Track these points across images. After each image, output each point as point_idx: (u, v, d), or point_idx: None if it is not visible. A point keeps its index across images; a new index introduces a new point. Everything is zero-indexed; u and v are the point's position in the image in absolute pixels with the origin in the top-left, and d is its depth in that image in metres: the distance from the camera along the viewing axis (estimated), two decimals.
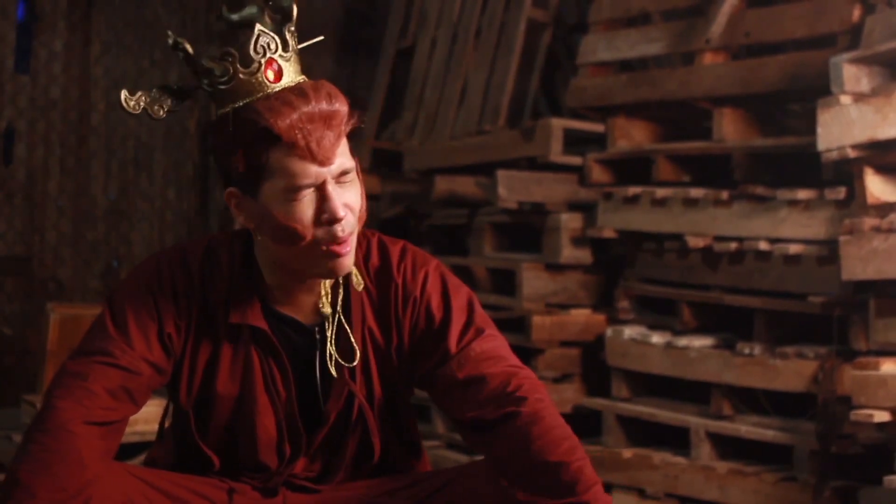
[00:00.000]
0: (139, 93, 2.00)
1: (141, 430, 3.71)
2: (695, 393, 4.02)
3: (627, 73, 4.73)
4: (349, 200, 1.96)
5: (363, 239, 2.12)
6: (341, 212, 1.93)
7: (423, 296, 2.08)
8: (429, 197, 5.08)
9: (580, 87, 4.74)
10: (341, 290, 2.08)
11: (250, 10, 1.97)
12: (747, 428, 3.79)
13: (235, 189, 1.97)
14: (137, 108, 1.99)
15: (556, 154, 4.63)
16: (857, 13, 3.77)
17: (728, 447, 3.88)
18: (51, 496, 1.86)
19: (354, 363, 2.06)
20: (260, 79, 1.91)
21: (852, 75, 3.49)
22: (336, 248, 1.94)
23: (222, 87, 1.93)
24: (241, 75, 1.92)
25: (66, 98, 6.44)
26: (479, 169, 4.93)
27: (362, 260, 2.10)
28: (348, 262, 1.98)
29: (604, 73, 4.72)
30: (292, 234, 1.93)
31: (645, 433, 4.18)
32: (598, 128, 4.65)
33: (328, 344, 2.05)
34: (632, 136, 4.53)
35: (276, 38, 1.94)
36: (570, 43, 5.30)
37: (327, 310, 2.05)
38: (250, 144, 1.90)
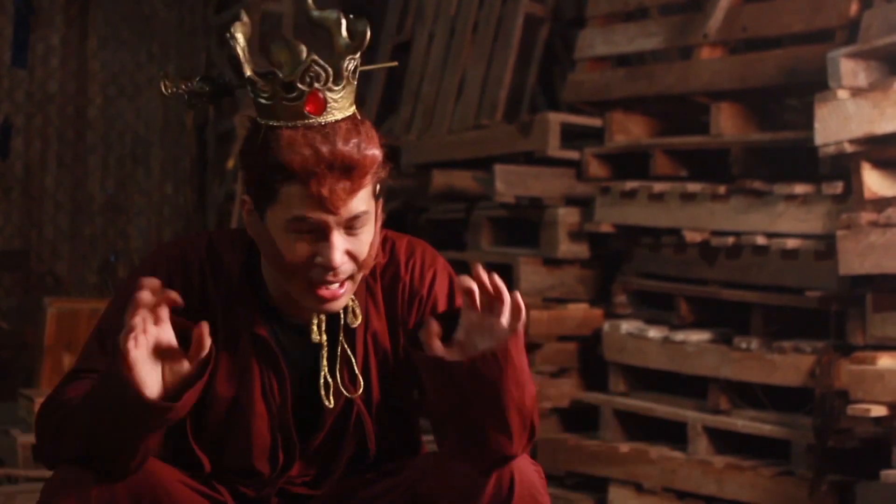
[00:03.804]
0: (180, 80, 1.93)
1: None
2: (692, 387, 4.02)
3: (625, 68, 4.73)
4: (354, 248, 1.90)
5: None
6: (337, 260, 1.87)
7: (429, 296, 2.05)
8: (426, 191, 5.07)
9: (577, 82, 4.75)
10: (342, 315, 2.02)
11: (331, 15, 1.90)
12: (744, 422, 3.79)
13: (249, 199, 1.94)
14: (173, 92, 1.93)
15: (554, 148, 4.63)
16: (854, 8, 3.78)
17: (725, 441, 3.88)
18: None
19: (359, 392, 2.03)
20: (300, 108, 1.85)
21: (850, 70, 3.50)
22: (323, 292, 1.90)
23: (262, 101, 1.88)
24: (282, 100, 1.86)
25: (64, 92, 6.44)
26: (477, 163, 4.93)
27: None
28: (337, 305, 1.93)
29: (601, 68, 4.73)
30: (282, 265, 1.90)
31: (642, 427, 4.19)
32: (595, 122, 4.65)
33: (323, 370, 2.01)
34: (629, 130, 4.53)
35: (329, 70, 1.86)
36: (568, 37, 5.30)
37: (317, 337, 2.00)
38: (267, 170, 1.86)
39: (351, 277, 1.92)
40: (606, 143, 4.55)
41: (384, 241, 2.08)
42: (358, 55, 1.90)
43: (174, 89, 1.93)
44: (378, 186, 1.95)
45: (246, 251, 2.02)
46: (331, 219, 1.86)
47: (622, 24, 4.69)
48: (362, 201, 1.89)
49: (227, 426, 2.03)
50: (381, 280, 2.06)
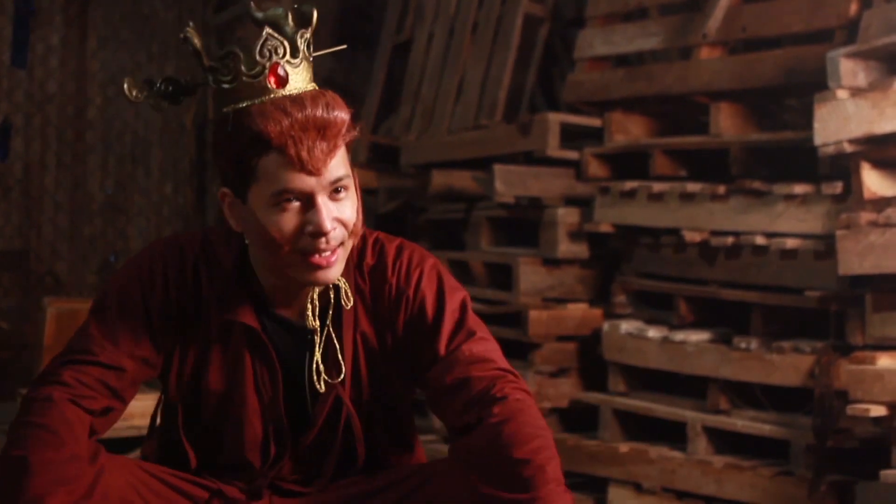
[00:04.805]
0: (144, 83, 1.97)
1: (137, 425, 3.71)
2: (691, 387, 4.02)
3: (624, 68, 4.73)
4: (342, 214, 1.92)
5: (360, 239, 2.09)
6: (328, 225, 1.89)
7: (416, 295, 2.06)
8: (425, 191, 5.07)
9: (577, 82, 4.74)
10: (333, 301, 2.05)
11: (276, 11, 1.95)
12: (744, 422, 3.79)
13: (228, 190, 1.96)
14: (140, 98, 1.96)
15: (553, 149, 4.63)
16: (854, 8, 3.78)
17: (724, 441, 3.88)
18: (49, 468, 1.86)
19: (340, 378, 2.04)
20: (263, 83, 1.88)
21: (849, 70, 3.50)
22: (317, 260, 1.91)
23: (226, 86, 1.90)
24: (244, 77, 1.89)
25: (63, 92, 6.44)
26: (476, 163, 4.93)
27: (355, 261, 2.08)
28: (332, 274, 1.94)
29: (601, 68, 4.73)
30: (272, 243, 1.91)
31: (641, 427, 4.18)
32: (595, 122, 4.65)
33: (316, 355, 2.03)
34: (629, 130, 4.53)
35: (286, 42, 1.91)
36: (568, 37, 5.30)
37: (313, 323, 2.02)
38: (242, 148, 1.88)
39: (342, 244, 1.94)
40: (606, 143, 4.55)
41: (375, 241, 2.09)
42: (308, 31, 1.95)
43: (138, 94, 1.96)
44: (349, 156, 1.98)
45: (239, 246, 2.04)
46: (314, 183, 1.88)
47: (622, 24, 4.69)
48: (340, 164, 1.92)
49: (219, 417, 2.05)
50: (370, 282, 2.07)
